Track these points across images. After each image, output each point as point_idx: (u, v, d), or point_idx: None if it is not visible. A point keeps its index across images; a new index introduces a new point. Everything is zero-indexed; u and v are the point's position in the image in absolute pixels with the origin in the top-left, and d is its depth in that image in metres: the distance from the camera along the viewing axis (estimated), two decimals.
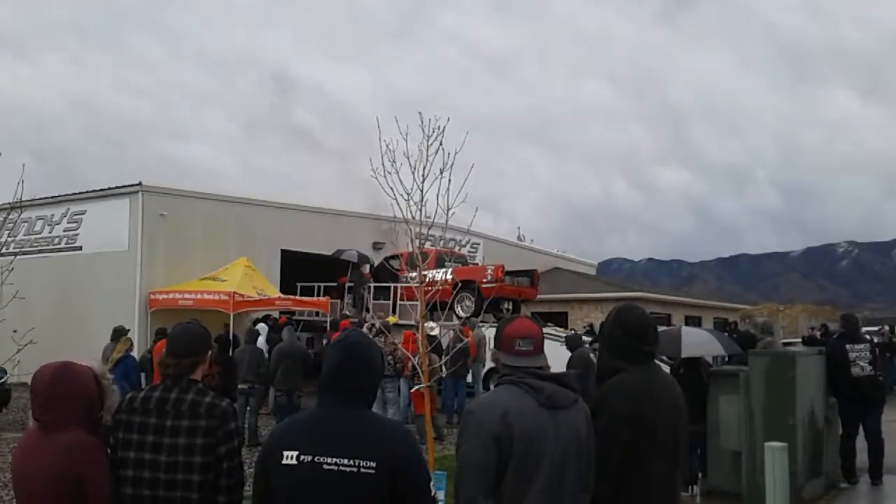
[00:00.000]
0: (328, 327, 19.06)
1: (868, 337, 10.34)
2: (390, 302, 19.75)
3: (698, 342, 8.67)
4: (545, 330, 15.14)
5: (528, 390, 2.85)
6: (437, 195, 6.78)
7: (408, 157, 6.79)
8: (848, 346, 8.91)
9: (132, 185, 19.30)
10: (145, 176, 19.96)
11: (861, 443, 8.93)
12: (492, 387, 3.59)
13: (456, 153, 6.82)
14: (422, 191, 6.82)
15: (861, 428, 8.90)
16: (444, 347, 11.62)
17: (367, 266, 21.67)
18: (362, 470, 2.50)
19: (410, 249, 7.44)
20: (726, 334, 15.68)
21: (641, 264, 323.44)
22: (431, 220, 7.04)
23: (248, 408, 12.04)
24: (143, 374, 11.80)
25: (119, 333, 11.51)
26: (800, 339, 25.45)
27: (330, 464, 2.51)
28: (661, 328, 8.68)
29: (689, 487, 8.36)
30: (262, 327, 16.77)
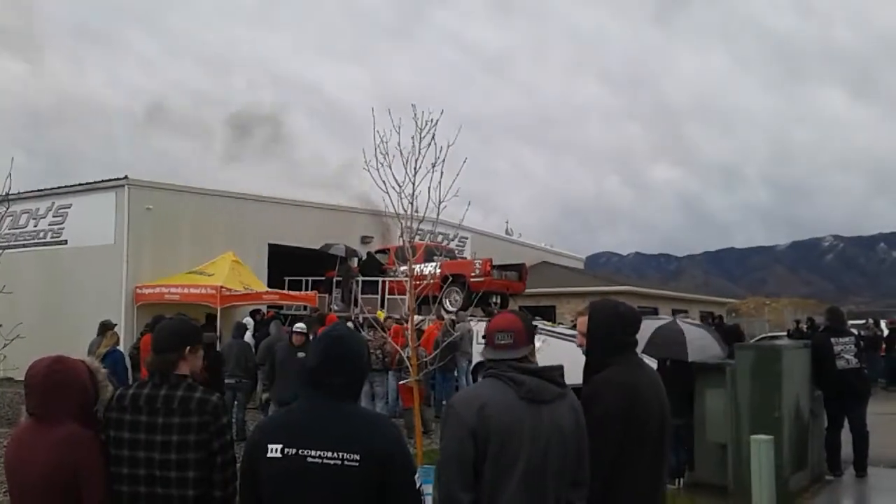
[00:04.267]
0: (315, 321, 18.99)
1: (853, 330, 10.40)
2: (378, 296, 19.74)
3: (702, 347, 8.51)
4: (555, 329, 14.97)
5: (509, 383, 2.88)
6: (429, 189, 6.78)
7: (400, 150, 6.79)
8: (833, 340, 8.96)
9: (118, 179, 19.14)
10: (139, 172, 19.84)
11: (846, 435, 8.99)
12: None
13: (448, 146, 6.82)
14: (413, 184, 6.81)
15: (846, 421, 8.96)
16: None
17: (355, 260, 21.63)
18: (346, 463, 2.51)
19: (400, 243, 7.44)
20: (713, 328, 15.76)
21: (629, 258, 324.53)
22: (422, 215, 7.03)
23: (236, 402, 12.00)
24: (129, 369, 11.74)
25: (105, 328, 11.44)
26: (785, 333, 25.65)
27: (314, 457, 2.53)
28: (658, 324, 8.62)
29: (676, 480, 8.40)
30: (250, 322, 16.73)
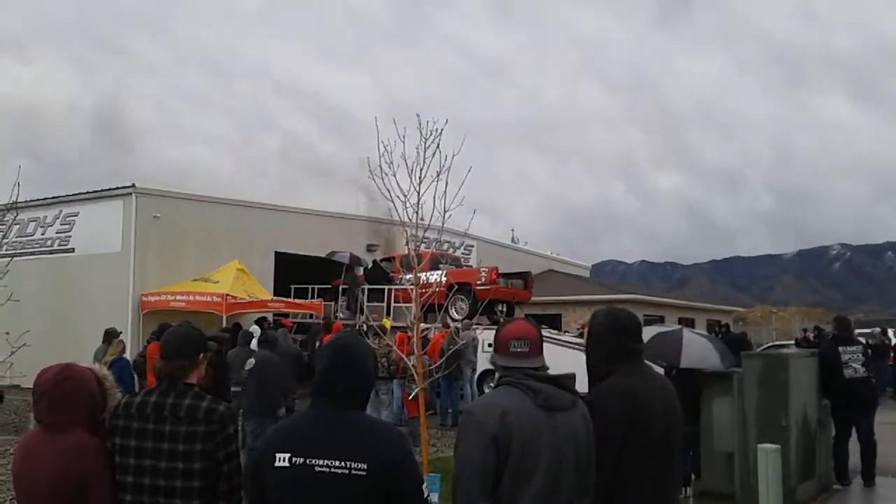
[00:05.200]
0: (321, 329, 19.02)
1: (861, 339, 10.35)
2: (384, 304, 19.75)
3: (699, 355, 8.41)
4: (561, 337, 15.05)
5: (526, 391, 2.86)
6: (434, 198, 6.78)
7: (405, 160, 6.79)
8: (841, 349, 8.92)
9: (125, 187, 19.25)
10: (146, 179, 19.92)
11: (854, 445, 8.96)
12: (486, 389, 3.61)
13: (454, 156, 6.82)
14: (419, 193, 6.81)
15: (854, 430, 8.92)
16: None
17: (361, 268, 21.65)
18: (353, 472, 2.51)
19: (406, 251, 7.45)
20: (719, 336, 15.68)
21: (635, 266, 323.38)
22: (427, 223, 7.03)
23: (241, 410, 11.99)
24: (135, 377, 11.75)
25: (110, 335, 11.46)
26: (793, 341, 25.56)
27: (321, 466, 2.52)
28: (660, 329, 8.52)
29: (683, 489, 8.37)
30: (256, 329, 16.72)
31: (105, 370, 3.29)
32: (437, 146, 6.78)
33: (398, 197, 6.85)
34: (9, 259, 11.91)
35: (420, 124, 6.82)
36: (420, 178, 6.75)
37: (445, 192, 6.73)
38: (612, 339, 3.45)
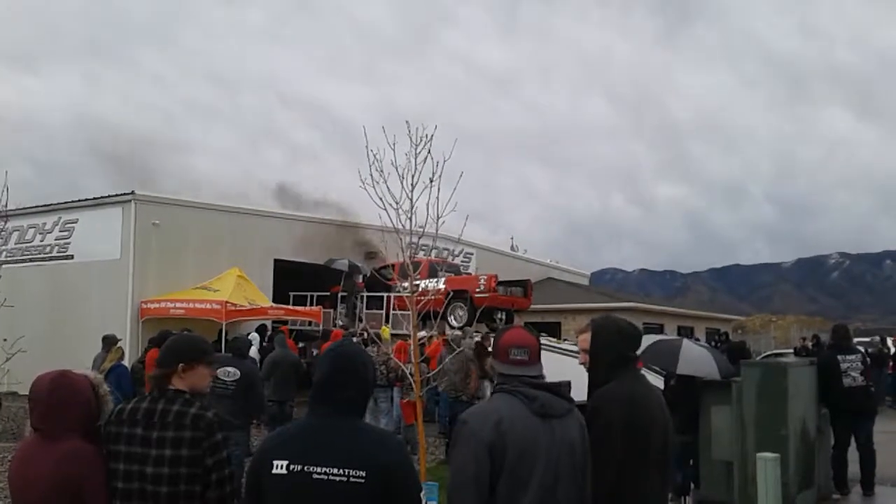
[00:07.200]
0: (320, 337, 19.02)
1: (860, 348, 10.34)
2: (383, 312, 19.74)
3: (696, 363, 8.37)
4: (560, 346, 15.05)
5: (522, 399, 2.87)
6: (427, 204, 6.79)
7: (395, 167, 6.80)
8: (839, 357, 8.91)
9: (125, 194, 19.24)
10: (148, 188, 19.94)
11: (853, 454, 8.94)
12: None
13: (444, 161, 6.82)
14: (411, 200, 6.81)
15: (853, 439, 8.91)
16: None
17: (360, 275, 21.65)
18: (352, 479, 2.51)
19: (400, 259, 7.44)
20: (717, 346, 15.66)
21: (634, 275, 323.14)
22: (422, 230, 7.03)
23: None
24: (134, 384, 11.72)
25: (109, 342, 11.44)
26: (791, 350, 25.54)
27: (320, 473, 2.52)
28: (661, 338, 8.48)
29: (682, 498, 8.35)
30: (255, 337, 16.72)
31: (100, 377, 3.30)
32: (429, 152, 6.79)
33: (391, 205, 6.85)
34: (6, 265, 11.92)
35: (410, 131, 6.84)
36: (412, 184, 6.76)
37: (437, 198, 6.73)
38: (615, 347, 3.47)
